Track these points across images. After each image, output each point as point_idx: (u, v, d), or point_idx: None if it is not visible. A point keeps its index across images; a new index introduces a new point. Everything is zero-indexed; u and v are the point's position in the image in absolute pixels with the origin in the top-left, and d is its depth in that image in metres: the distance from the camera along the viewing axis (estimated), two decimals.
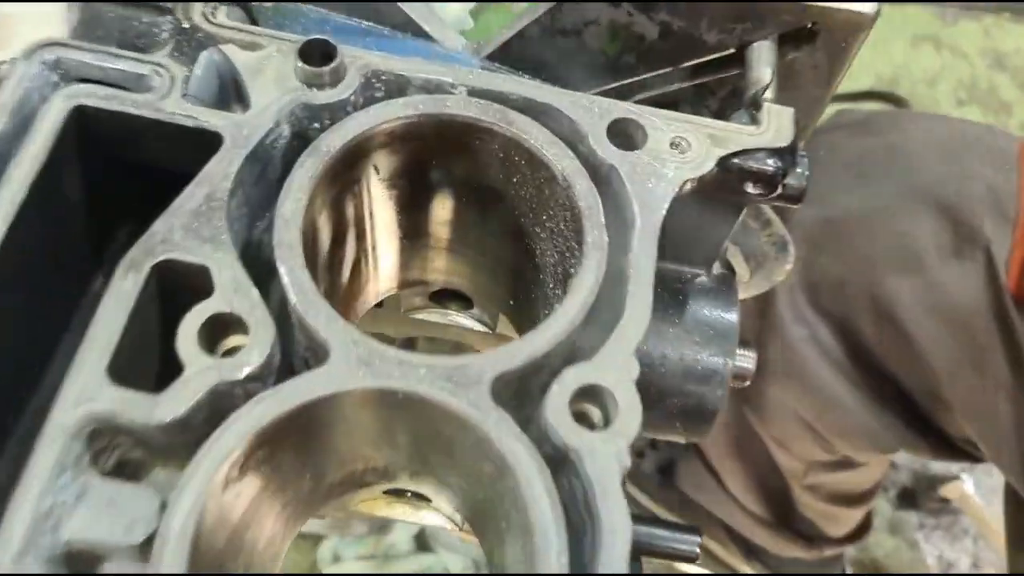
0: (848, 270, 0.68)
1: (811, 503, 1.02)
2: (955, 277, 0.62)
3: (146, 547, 0.27)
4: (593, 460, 0.28)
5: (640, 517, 0.52)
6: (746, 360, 0.46)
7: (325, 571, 1.22)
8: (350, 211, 0.36)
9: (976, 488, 1.27)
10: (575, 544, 0.28)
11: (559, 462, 0.29)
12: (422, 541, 1.23)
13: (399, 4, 0.41)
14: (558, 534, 0.27)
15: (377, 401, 0.29)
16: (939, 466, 1.41)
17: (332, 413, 0.29)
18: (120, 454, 0.29)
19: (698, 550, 0.53)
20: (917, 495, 1.37)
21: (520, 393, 0.31)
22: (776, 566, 1.23)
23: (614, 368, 0.29)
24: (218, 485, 0.27)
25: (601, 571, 0.26)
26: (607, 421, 0.29)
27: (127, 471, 0.29)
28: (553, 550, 0.26)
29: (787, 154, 0.36)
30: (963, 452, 0.75)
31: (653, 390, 0.44)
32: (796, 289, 0.71)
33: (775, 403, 0.82)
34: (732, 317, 0.44)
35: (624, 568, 0.27)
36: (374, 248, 0.41)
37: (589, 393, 0.29)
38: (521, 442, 0.28)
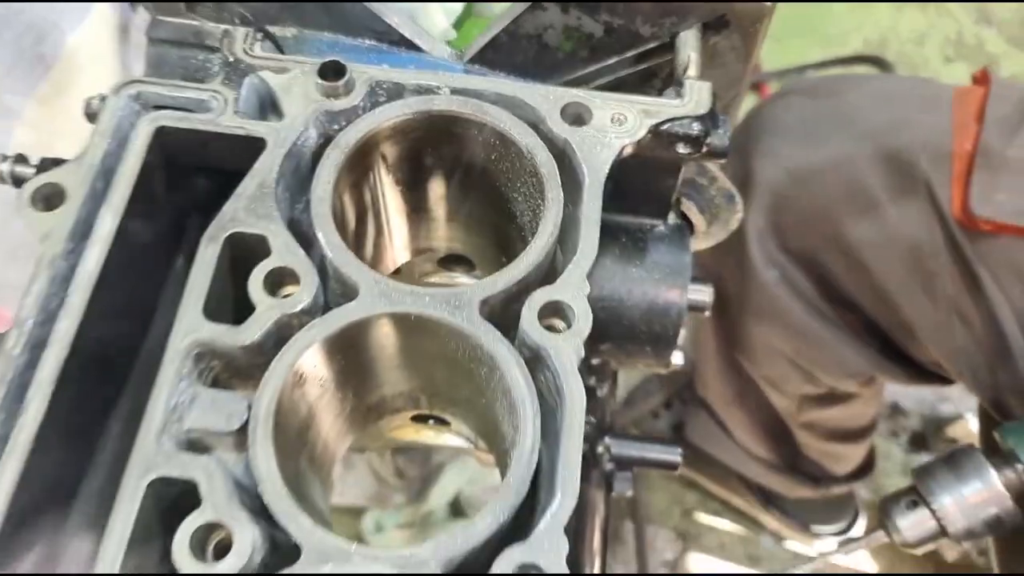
0: (810, 215, 0.77)
1: (811, 442, 1.10)
2: (902, 212, 0.71)
3: (240, 434, 0.37)
4: (557, 353, 0.38)
5: (627, 435, 0.62)
6: (701, 293, 0.55)
7: (369, 540, 1.33)
8: (367, 192, 0.47)
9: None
10: (550, 419, 0.38)
11: (535, 361, 0.39)
12: (457, 508, 1.33)
13: (395, 26, 0.51)
14: (532, 404, 0.37)
15: (396, 322, 0.39)
16: (945, 408, 1.48)
17: (364, 334, 0.40)
18: (214, 374, 0.39)
19: (680, 459, 0.63)
20: (927, 438, 1.44)
21: (507, 316, 0.41)
22: (793, 512, 1.32)
23: (571, 287, 0.39)
24: (288, 383, 0.37)
25: (564, 430, 0.36)
26: (568, 326, 0.39)
27: (219, 386, 0.40)
28: (530, 414, 0.36)
29: (708, 119, 0.45)
30: (934, 375, 0.83)
31: (625, 321, 0.53)
32: (766, 235, 0.80)
33: (760, 344, 0.90)
34: (685, 258, 0.54)
35: (580, 427, 0.36)
36: (388, 222, 0.51)
37: (553, 307, 0.39)
38: (503, 344, 0.38)
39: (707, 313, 0.57)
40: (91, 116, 0.46)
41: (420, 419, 0.55)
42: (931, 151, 0.68)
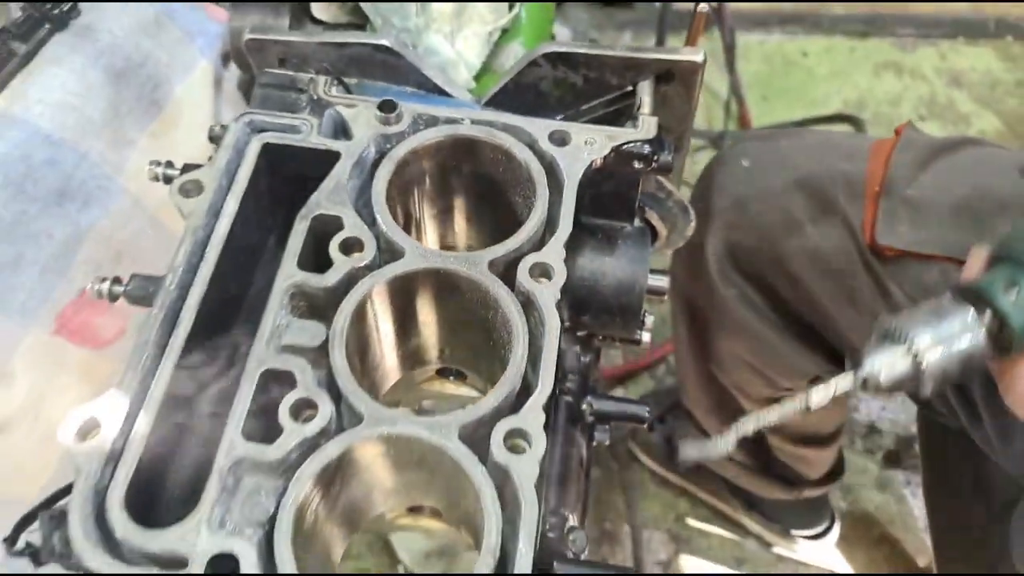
0: (756, 240, 0.93)
1: (782, 446, 1.24)
2: (823, 236, 0.87)
3: (318, 352, 0.54)
4: (542, 296, 0.54)
5: (605, 395, 0.77)
6: (658, 281, 0.71)
7: (392, 540, 1.46)
8: (409, 195, 0.64)
9: None
10: (536, 353, 0.54)
11: (528, 305, 0.55)
12: None
13: (431, 77, 0.70)
14: (523, 327, 0.53)
15: (429, 276, 0.56)
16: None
17: (407, 284, 0.56)
18: (300, 312, 0.56)
19: (647, 415, 0.78)
20: (901, 455, 1.57)
21: (508, 274, 0.57)
22: (774, 517, 1.44)
23: (553, 253, 0.56)
24: (355, 313, 0.53)
25: (544, 345, 0.52)
26: (550, 279, 0.55)
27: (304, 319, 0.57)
28: (521, 333, 0.52)
29: (655, 142, 0.63)
30: None
31: (600, 297, 0.69)
32: (723, 260, 0.96)
33: (725, 353, 1.06)
34: (645, 251, 0.70)
35: (556, 343, 0.53)
36: (423, 222, 0.68)
37: (540, 267, 0.56)
38: (504, 289, 0.54)
39: (664, 298, 0.73)
40: (213, 139, 0.64)
41: (444, 373, 0.71)
42: (847, 192, 0.85)
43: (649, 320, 0.74)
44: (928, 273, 0.82)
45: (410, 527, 0.67)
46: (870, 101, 2.08)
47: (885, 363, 0.60)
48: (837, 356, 0.97)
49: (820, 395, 0.61)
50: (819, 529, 1.43)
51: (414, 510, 0.66)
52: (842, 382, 0.61)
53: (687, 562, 1.45)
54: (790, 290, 0.93)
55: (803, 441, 1.23)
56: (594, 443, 0.76)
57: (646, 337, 0.75)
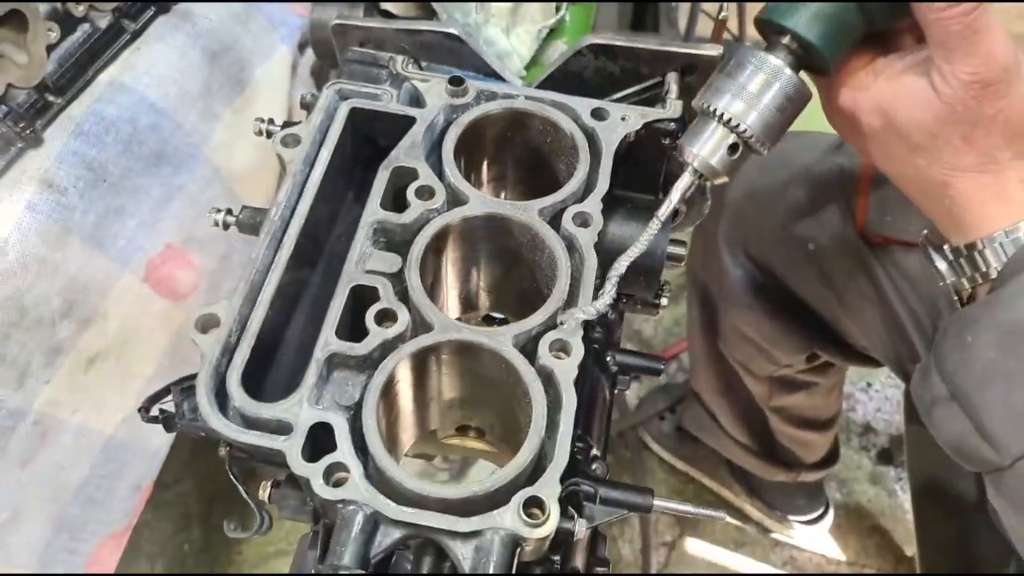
0: (762, 225, 1.04)
1: (783, 429, 1.33)
2: (820, 223, 0.97)
3: (398, 277, 0.64)
4: (583, 239, 0.65)
5: (627, 350, 0.87)
6: (677, 248, 0.82)
7: None
8: (473, 157, 0.75)
9: None
10: (576, 279, 0.65)
11: (571, 248, 0.66)
12: None
13: (490, 63, 0.81)
14: (567, 262, 0.64)
15: (489, 220, 0.66)
16: None
17: (469, 226, 0.67)
18: (380, 247, 0.67)
19: (662, 367, 0.88)
20: (893, 453, 1.65)
21: (555, 221, 0.68)
22: (773, 502, 1.53)
23: (592, 205, 0.67)
24: (427, 247, 0.64)
25: (583, 275, 0.63)
26: (588, 226, 0.66)
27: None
28: (564, 267, 0.63)
29: (679, 122, 0.74)
30: (865, 357, 1.07)
31: None
32: (733, 244, 1.07)
33: (732, 329, 1.16)
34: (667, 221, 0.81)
35: (593, 274, 0.63)
36: (481, 183, 0.79)
37: (581, 216, 0.67)
38: (551, 231, 0.65)
39: (682, 265, 0.83)
40: (305, 106, 0.76)
41: (489, 320, 0.82)
42: (843, 184, 0.96)
43: (667, 288, 0.85)
44: (910, 259, 0.92)
45: (457, 447, 0.77)
46: None
47: (709, 147, 0.59)
48: (831, 335, 1.07)
49: (666, 206, 0.63)
50: (815, 515, 1.52)
51: (461, 430, 0.76)
52: (680, 184, 0.61)
53: (691, 543, 1.54)
54: (790, 272, 1.04)
55: (802, 424, 1.33)
56: (616, 390, 0.87)
57: (664, 302, 0.85)
